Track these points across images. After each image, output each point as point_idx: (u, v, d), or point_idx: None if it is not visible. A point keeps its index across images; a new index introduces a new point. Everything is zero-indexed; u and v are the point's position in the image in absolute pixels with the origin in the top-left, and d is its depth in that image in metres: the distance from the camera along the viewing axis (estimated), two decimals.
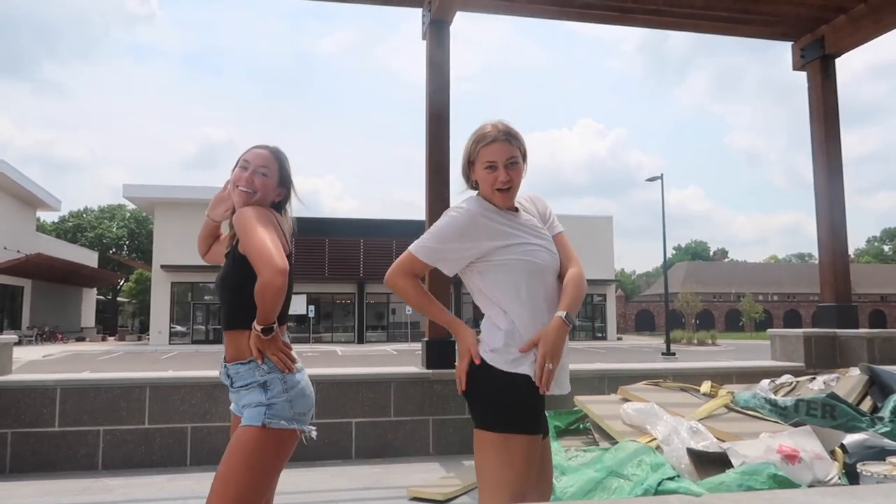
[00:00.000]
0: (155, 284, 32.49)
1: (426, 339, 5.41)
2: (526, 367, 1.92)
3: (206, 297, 32.80)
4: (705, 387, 4.76)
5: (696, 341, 36.43)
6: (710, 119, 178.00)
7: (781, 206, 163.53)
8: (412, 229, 31.05)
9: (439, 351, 5.28)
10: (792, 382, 4.83)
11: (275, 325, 1.96)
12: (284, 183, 2.18)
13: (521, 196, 2.20)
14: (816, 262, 6.89)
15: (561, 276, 2.07)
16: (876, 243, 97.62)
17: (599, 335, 38.05)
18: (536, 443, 1.93)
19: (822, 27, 6.42)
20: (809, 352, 5.95)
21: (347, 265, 33.36)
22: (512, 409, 1.92)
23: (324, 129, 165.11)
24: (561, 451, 3.79)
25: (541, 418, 1.99)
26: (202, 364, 18.26)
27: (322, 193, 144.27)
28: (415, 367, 5.39)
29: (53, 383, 4.64)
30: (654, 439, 3.68)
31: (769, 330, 6.71)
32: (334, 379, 5.02)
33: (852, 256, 73.74)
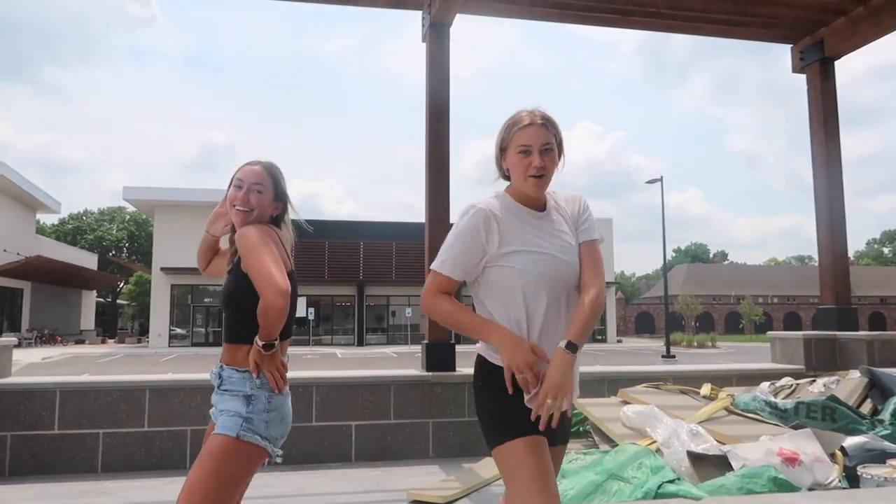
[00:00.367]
0: (155, 287, 32.48)
1: (426, 341, 5.41)
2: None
3: (205, 300, 32.79)
4: (705, 389, 4.76)
5: (695, 344, 36.40)
6: (710, 121, 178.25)
7: (781, 208, 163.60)
8: (412, 232, 31.12)
9: (439, 353, 5.28)
10: (792, 385, 4.83)
11: (276, 342, 1.98)
12: (280, 197, 2.19)
13: (562, 193, 2.08)
14: (816, 264, 6.89)
15: (579, 287, 1.93)
16: (876, 245, 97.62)
17: (599, 337, 38.01)
18: (534, 444, 1.77)
19: (822, 29, 6.43)
20: (809, 354, 5.94)
21: (347, 268, 33.36)
22: (493, 419, 1.85)
23: (324, 131, 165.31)
24: None
25: (532, 421, 1.81)
26: (202, 367, 18.23)
27: (322, 196, 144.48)
28: (415, 370, 5.39)
29: (53, 386, 4.63)
30: (655, 442, 3.68)
31: (769, 332, 6.71)
32: (334, 382, 5.02)
33: (852, 259, 73.78)
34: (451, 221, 5.53)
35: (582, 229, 2.02)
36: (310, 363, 20.56)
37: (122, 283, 52.85)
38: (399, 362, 21.09)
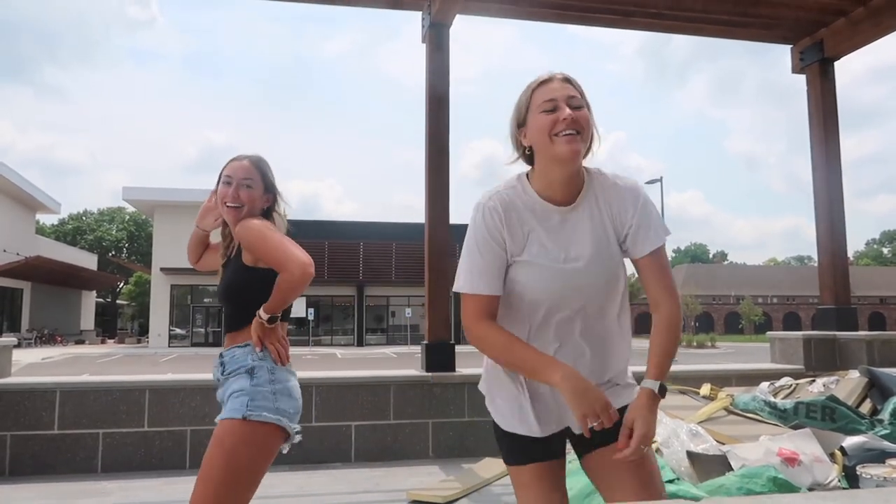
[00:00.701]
0: (154, 287, 32.49)
1: (426, 342, 5.41)
2: (509, 420, 1.68)
3: (205, 300, 32.80)
4: (705, 389, 4.76)
5: (695, 344, 36.39)
6: (710, 123, 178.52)
7: (781, 209, 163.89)
8: (412, 232, 31.12)
9: (439, 354, 5.28)
10: (791, 385, 4.83)
11: (279, 317, 2.00)
12: (270, 189, 2.19)
13: (612, 177, 1.64)
14: (816, 264, 6.89)
15: (607, 304, 1.63)
16: (875, 246, 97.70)
17: None
18: (539, 472, 1.67)
19: (822, 30, 6.43)
20: (809, 354, 5.95)
21: (347, 268, 33.35)
22: (500, 441, 1.75)
23: (324, 131, 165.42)
24: None
25: (529, 450, 1.69)
26: (202, 367, 18.22)
27: (322, 196, 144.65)
28: (414, 370, 5.39)
29: (53, 386, 4.63)
30: (654, 442, 3.68)
31: (768, 332, 6.71)
32: (334, 382, 5.02)
33: (851, 259, 73.77)
34: (451, 222, 5.57)
35: (639, 237, 1.60)
36: (309, 363, 20.57)
37: (121, 284, 52.85)
38: (399, 363, 21.08)
